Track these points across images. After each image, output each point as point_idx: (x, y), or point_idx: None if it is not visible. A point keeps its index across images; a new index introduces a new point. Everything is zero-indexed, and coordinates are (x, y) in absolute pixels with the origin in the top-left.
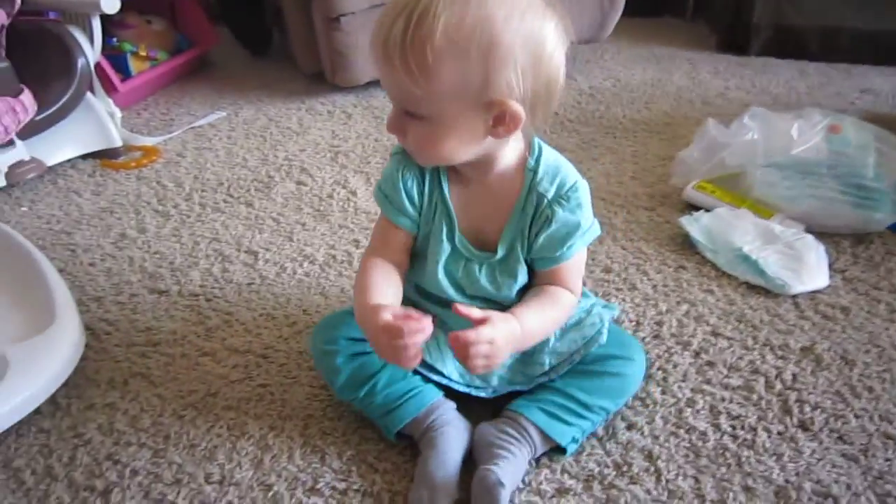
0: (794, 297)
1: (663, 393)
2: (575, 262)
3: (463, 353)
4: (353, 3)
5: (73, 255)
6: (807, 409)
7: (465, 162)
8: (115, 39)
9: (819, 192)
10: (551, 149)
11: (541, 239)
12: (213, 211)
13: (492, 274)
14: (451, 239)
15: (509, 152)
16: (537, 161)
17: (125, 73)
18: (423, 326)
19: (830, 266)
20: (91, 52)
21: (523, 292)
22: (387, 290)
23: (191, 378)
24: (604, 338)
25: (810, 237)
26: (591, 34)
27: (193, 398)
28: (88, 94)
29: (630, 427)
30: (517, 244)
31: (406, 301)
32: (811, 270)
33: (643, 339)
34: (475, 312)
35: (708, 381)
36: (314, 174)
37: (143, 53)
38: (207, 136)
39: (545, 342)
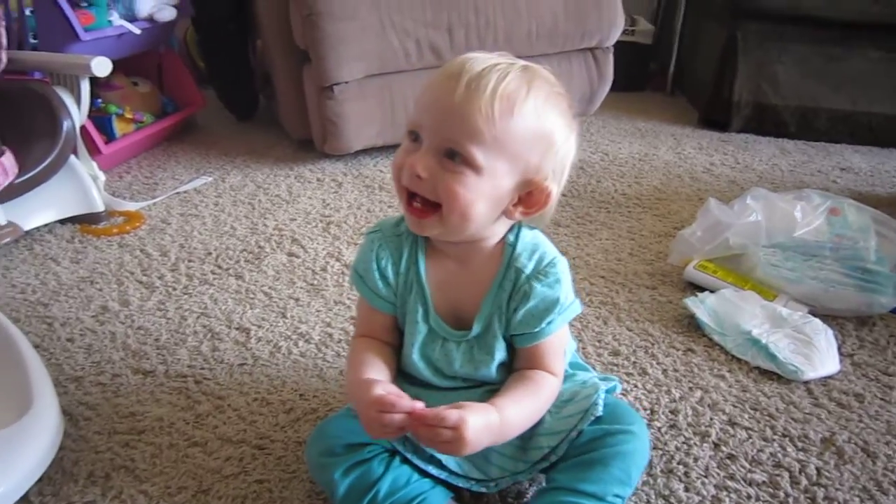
0: (807, 383)
1: (687, 490)
2: (555, 339)
3: (425, 434)
4: (348, 72)
5: (50, 328)
6: None
7: (463, 238)
8: (100, 101)
9: (822, 275)
10: (529, 227)
11: (519, 315)
12: (201, 283)
13: (469, 352)
14: (426, 320)
15: (498, 231)
16: (516, 237)
17: (109, 136)
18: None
19: (838, 350)
20: (77, 114)
21: (506, 371)
22: (379, 366)
23: (180, 472)
24: (599, 409)
25: (818, 321)
26: (580, 108)
27: (183, 496)
28: (72, 156)
29: None
30: (494, 320)
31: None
32: (822, 355)
33: (659, 428)
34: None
35: (731, 477)
36: (306, 245)
37: (128, 116)
38: (193, 202)
39: (541, 423)
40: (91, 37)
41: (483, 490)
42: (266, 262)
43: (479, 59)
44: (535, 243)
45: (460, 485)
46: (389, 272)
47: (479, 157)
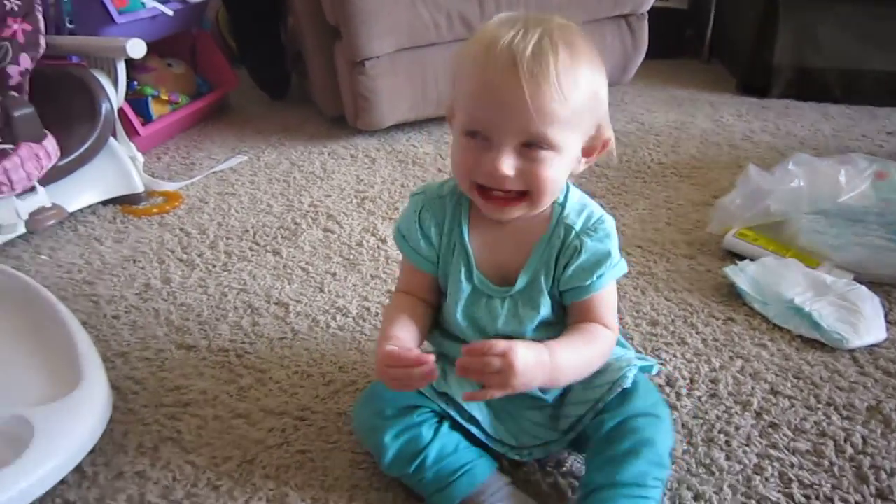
0: (852, 351)
1: (728, 458)
2: (606, 294)
3: (472, 366)
4: (379, 47)
5: (97, 306)
6: (883, 476)
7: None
8: (136, 83)
9: (867, 240)
10: (575, 186)
11: (570, 270)
12: (240, 260)
13: (513, 308)
14: (469, 279)
15: None
16: (565, 197)
17: (146, 117)
18: (422, 362)
19: (885, 318)
20: (115, 96)
21: (548, 332)
22: (407, 323)
23: (225, 443)
24: (628, 381)
25: (864, 288)
26: (614, 78)
27: (229, 466)
28: (111, 138)
29: (697, 497)
30: (540, 275)
31: (435, 344)
32: (868, 323)
33: (699, 398)
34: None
35: (774, 446)
36: (341, 221)
37: (163, 97)
38: (230, 181)
39: (570, 392)
40: (125, 19)
41: (517, 457)
42: (302, 239)
43: (518, 39)
44: (583, 203)
45: (497, 449)
46: (433, 233)
47: (557, 139)
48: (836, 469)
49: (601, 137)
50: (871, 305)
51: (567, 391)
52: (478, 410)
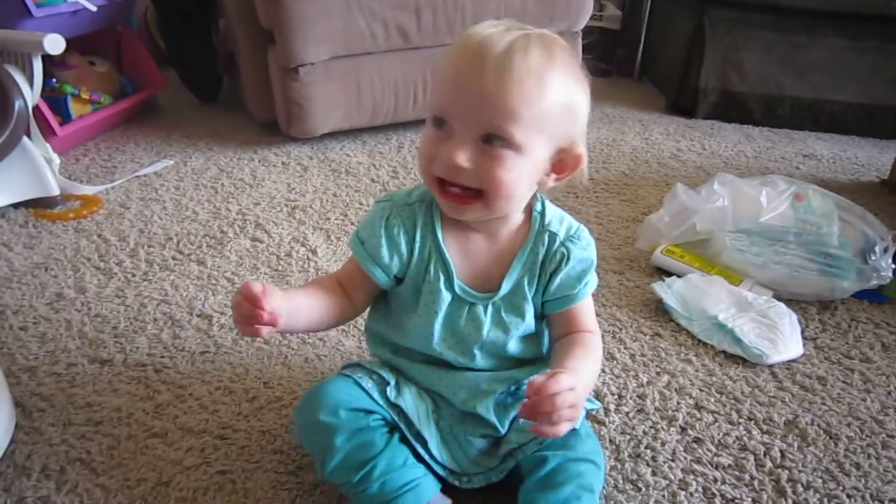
0: (771, 366)
1: (654, 474)
2: (588, 301)
3: (544, 408)
4: (313, 54)
5: (2, 317)
6: (800, 489)
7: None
8: (54, 80)
9: (786, 259)
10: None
11: (557, 279)
12: (162, 269)
13: (497, 314)
14: (449, 287)
15: (525, 202)
16: (543, 206)
17: (65, 117)
18: (271, 321)
19: (802, 334)
20: (30, 93)
21: (529, 346)
22: (317, 299)
23: (139, 464)
24: (579, 422)
25: (782, 305)
26: None
27: (143, 489)
28: (25, 138)
29: None
30: (524, 281)
31: (385, 364)
32: (786, 339)
33: (627, 413)
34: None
35: (698, 461)
36: (270, 230)
37: (84, 96)
38: (153, 186)
39: (514, 420)
40: (43, 13)
41: (455, 483)
42: (229, 248)
43: (496, 35)
44: (560, 213)
45: (438, 472)
46: (402, 241)
47: (519, 138)
48: (756, 483)
49: (573, 153)
50: (789, 322)
51: (514, 418)
52: (428, 432)
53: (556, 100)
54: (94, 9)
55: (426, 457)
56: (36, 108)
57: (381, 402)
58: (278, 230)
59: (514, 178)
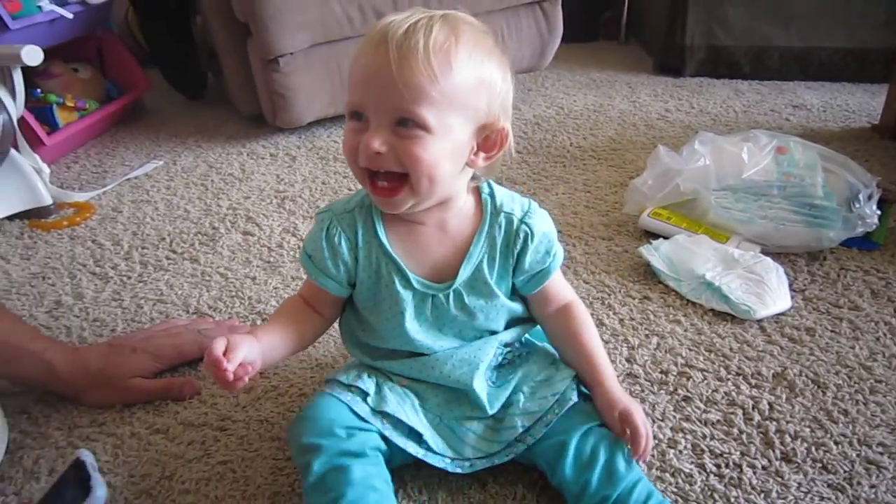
0: (760, 321)
1: None
2: (559, 271)
3: (650, 448)
4: (291, 43)
5: None
6: (787, 439)
7: (433, 202)
8: (38, 91)
9: (772, 213)
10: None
11: (527, 257)
12: (156, 269)
13: (459, 301)
14: (406, 286)
15: (463, 185)
16: (492, 188)
17: (52, 126)
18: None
19: (790, 286)
20: (13, 106)
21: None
22: (286, 329)
23: (143, 460)
24: (575, 396)
25: (769, 259)
26: (532, 63)
27: (147, 483)
28: (13, 151)
29: None
30: (483, 265)
31: (362, 367)
32: (774, 293)
33: (617, 377)
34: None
35: (687, 419)
36: (261, 223)
37: (70, 104)
38: (144, 188)
39: (515, 402)
40: (20, 25)
41: (458, 470)
42: (221, 243)
43: (399, 21)
44: (509, 192)
45: (437, 464)
46: (344, 249)
47: (430, 118)
48: (744, 436)
49: (495, 128)
50: (776, 276)
51: (510, 404)
52: (420, 424)
53: (466, 76)
54: (71, 16)
55: (423, 452)
56: (22, 120)
57: (364, 415)
58: (269, 222)
59: (433, 157)
